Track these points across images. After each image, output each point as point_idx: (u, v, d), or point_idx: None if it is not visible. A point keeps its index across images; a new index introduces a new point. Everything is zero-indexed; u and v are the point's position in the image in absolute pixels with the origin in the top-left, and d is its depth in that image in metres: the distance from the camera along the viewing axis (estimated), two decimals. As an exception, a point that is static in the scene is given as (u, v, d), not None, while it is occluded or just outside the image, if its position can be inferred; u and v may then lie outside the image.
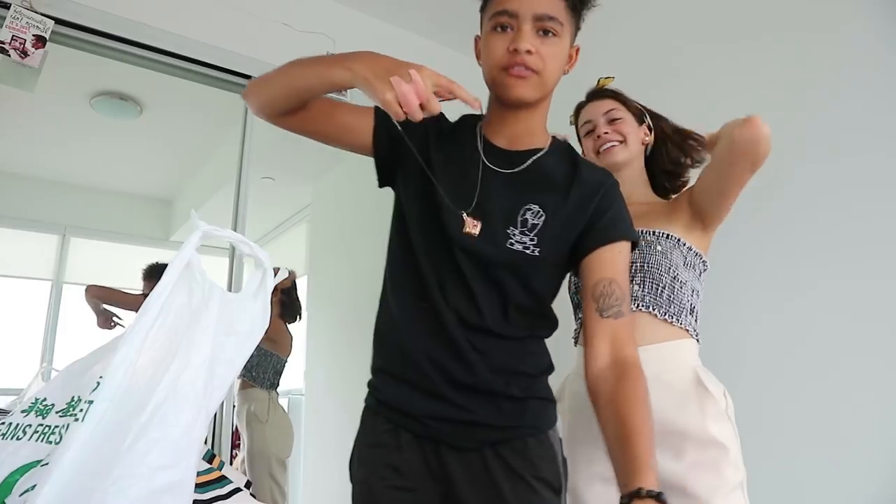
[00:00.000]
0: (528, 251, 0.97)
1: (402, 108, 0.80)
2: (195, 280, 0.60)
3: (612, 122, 1.39)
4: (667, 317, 1.23)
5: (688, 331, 1.25)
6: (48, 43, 1.87)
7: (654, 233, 1.29)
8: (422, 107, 0.80)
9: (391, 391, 1.02)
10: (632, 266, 1.25)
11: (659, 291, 1.24)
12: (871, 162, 1.59)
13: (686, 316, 1.26)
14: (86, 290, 2.50)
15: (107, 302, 2.48)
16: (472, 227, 0.96)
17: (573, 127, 1.52)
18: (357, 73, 0.85)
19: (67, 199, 2.75)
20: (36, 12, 1.86)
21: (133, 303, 2.47)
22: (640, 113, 1.42)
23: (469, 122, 1.09)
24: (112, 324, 2.44)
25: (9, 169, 2.59)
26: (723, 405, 1.19)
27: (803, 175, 1.70)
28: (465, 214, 0.97)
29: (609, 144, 1.37)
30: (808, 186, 1.70)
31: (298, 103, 0.97)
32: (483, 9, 1.02)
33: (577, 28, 1.02)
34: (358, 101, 1.09)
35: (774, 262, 1.77)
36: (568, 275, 1.39)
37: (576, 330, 1.39)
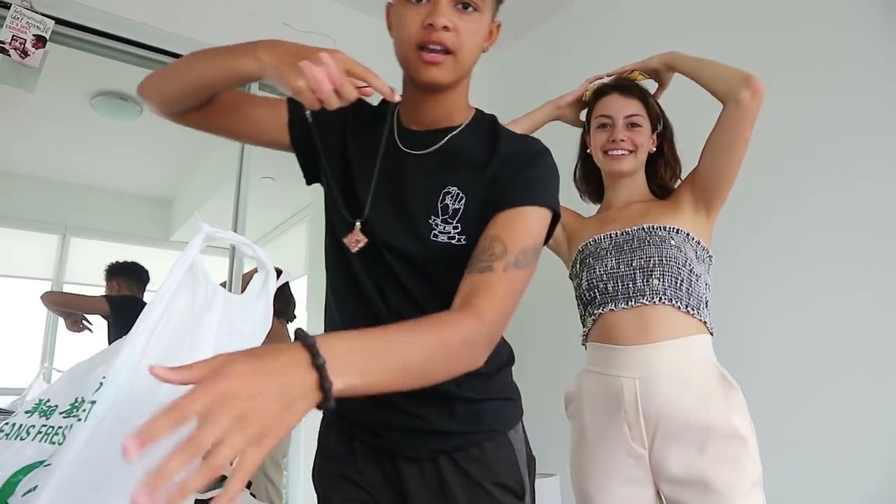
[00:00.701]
0: (454, 241, 0.87)
1: (315, 95, 0.71)
2: (198, 282, 0.60)
3: (631, 126, 1.36)
4: (689, 309, 1.24)
5: (705, 323, 1.26)
6: (48, 43, 1.88)
7: (665, 228, 1.29)
8: (337, 93, 0.72)
9: (343, 402, 0.90)
10: (650, 261, 1.26)
11: (678, 285, 1.24)
12: (881, 157, 1.60)
13: (703, 309, 1.27)
14: (41, 297, 2.43)
15: (65, 307, 2.41)
16: (355, 242, 0.87)
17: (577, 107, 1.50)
18: (264, 61, 0.76)
19: (67, 199, 2.75)
20: (36, 12, 1.86)
21: (94, 306, 2.41)
22: (657, 120, 1.40)
23: (389, 105, 0.98)
24: (81, 327, 2.37)
25: (9, 169, 2.58)
26: (744, 400, 1.21)
27: (812, 171, 1.71)
28: (357, 224, 0.88)
29: (620, 152, 1.35)
30: (816, 182, 1.70)
31: (203, 99, 0.87)
32: None
33: (500, 1, 0.92)
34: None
35: (778, 260, 1.77)
36: (573, 278, 1.39)
37: (583, 333, 1.38)
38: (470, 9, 0.85)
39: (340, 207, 0.91)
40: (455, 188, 0.89)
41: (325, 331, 0.98)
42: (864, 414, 1.52)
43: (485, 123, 0.96)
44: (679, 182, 1.43)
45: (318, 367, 0.50)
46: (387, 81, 0.77)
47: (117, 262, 2.61)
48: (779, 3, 1.89)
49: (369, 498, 0.93)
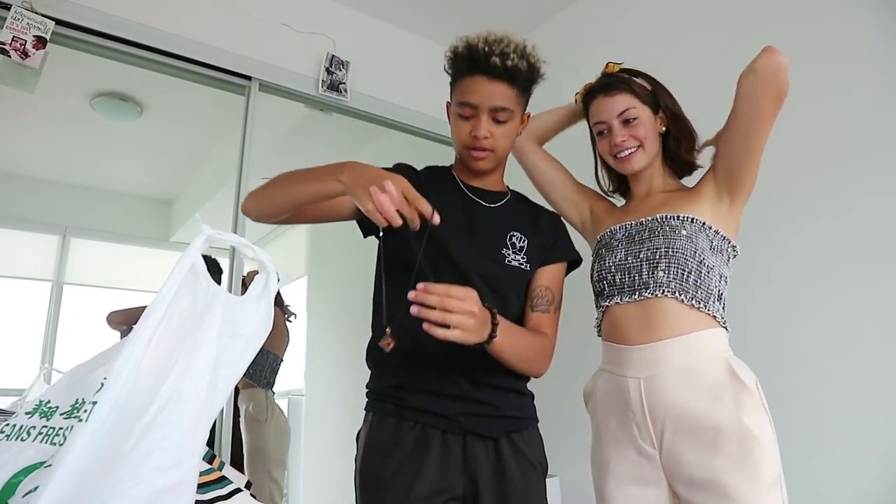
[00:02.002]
0: (522, 267, 1.23)
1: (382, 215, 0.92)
2: (199, 283, 0.60)
3: (627, 123, 1.31)
4: (694, 302, 1.20)
5: (716, 318, 1.21)
6: (49, 44, 1.88)
7: (678, 217, 1.25)
8: (399, 213, 0.92)
9: (418, 400, 1.13)
10: (656, 252, 1.23)
11: (685, 276, 1.21)
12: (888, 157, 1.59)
13: (714, 302, 1.22)
14: (107, 320, 2.45)
15: (132, 322, 2.43)
16: (386, 344, 1.04)
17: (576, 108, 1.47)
18: (346, 182, 0.97)
19: (67, 199, 2.75)
20: (36, 13, 1.87)
21: None
22: (654, 102, 1.33)
23: (438, 170, 1.32)
24: None
25: (9, 169, 2.58)
26: (757, 396, 1.15)
27: (841, 167, 1.69)
28: (387, 331, 1.05)
29: (627, 152, 1.31)
30: (834, 179, 1.69)
31: (298, 212, 1.12)
32: (452, 85, 1.23)
33: (529, 98, 1.24)
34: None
35: (804, 256, 1.77)
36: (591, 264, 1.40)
37: (597, 320, 1.36)
38: (502, 122, 1.18)
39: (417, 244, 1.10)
40: (518, 233, 1.25)
41: (374, 329, 1.22)
42: (882, 413, 1.52)
43: (517, 194, 1.35)
44: (698, 166, 1.38)
45: (494, 326, 1.03)
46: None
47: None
48: (779, 4, 1.89)
49: (442, 484, 1.10)
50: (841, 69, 1.70)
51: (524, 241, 1.25)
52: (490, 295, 1.14)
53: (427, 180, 1.22)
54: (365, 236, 1.23)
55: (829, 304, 1.64)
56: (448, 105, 1.26)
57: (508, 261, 1.21)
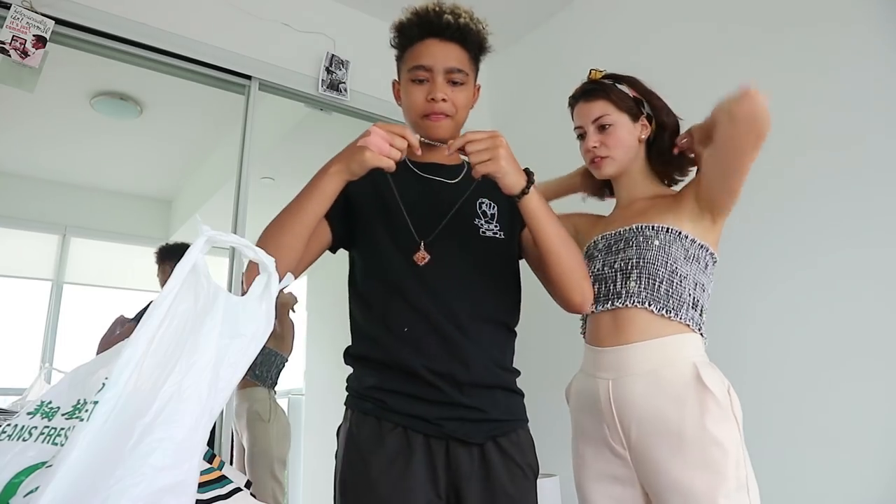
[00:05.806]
0: (497, 236, 1.17)
1: (382, 154, 0.95)
2: (200, 284, 0.60)
3: (602, 129, 1.32)
4: (664, 312, 1.20)
5: (689, 325, 1.21)
6: (48, 43, 1.88)
7: (653, 227, 1.26)
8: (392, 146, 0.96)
9: (399, 403, 1.06)
10: (628, 262, 1.24)
11: (656, 287, 1.21)
12: (888, 159, 1.60)
13: (687, 310, 1.22)
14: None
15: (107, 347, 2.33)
16: (422, 258, 1.10)
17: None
18: (338, 168, 0.99)
19: (67, 199, 2.74)
20: (36, 12, 1.87)
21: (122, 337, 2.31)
22: (635, 109, 1.33)
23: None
24: None
25: (9, 169, 2.58)
26: (726, 403, 1.14)
27: (815, 168, 1.70)
28: (422, 245, 1.11)
29: (598, 159, 1.33)
30: (818, 180, 1.70)
31: (309, 235, 1.04)
32: (400, 59, 1.20)
33: (478, 69, 1.21)
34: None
35: (781, 263, 1.78)
36: None
37: (581, 325, 1.38)
38: (458, 83, 1.14)
39: (398, 237, 1.13)
40: (487, 199, 1.20)
41: (362, 348, 1.18)
42: (867, 416, 1.53)
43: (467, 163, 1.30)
44: (686, 173, 1.38)
45: (529, 175, 1.06)
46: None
47: (168, 244, 2.54)
48: (779, 4, 1.89)
49: (418, 486, 1.03)
50: (842, 70, 1.71)
51: (494, 207, 1.20)
52: (471, 267, 1.13)
53: (375, 173, 1.17)
54: (334, 251, 1.22)
55: (819, 306, 1.64)
56: (395, 84, 1.22)
57: (483, 231, 1.16)
